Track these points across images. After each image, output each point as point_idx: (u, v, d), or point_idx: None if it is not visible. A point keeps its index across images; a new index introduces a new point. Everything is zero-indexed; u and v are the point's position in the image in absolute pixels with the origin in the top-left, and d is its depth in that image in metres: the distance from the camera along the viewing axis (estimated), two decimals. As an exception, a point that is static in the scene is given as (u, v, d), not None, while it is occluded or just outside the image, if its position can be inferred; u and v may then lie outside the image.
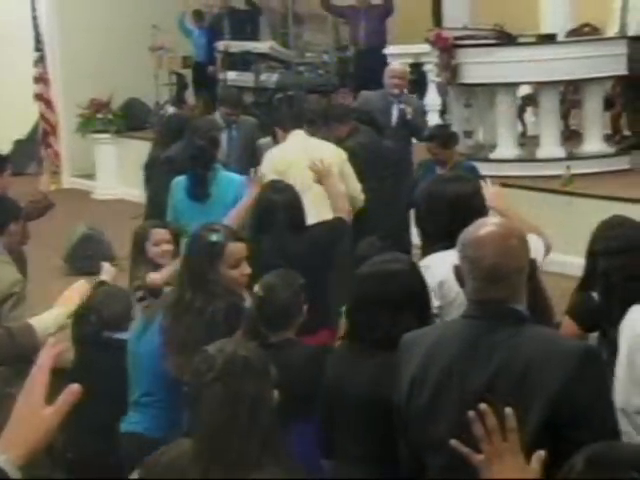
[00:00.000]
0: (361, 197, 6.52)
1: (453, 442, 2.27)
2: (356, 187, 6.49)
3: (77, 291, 3.99)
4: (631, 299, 3.45)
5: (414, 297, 3.31)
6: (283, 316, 3.86)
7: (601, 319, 3.70)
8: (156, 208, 6.71)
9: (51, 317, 3.87)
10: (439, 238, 3.83)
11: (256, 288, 3.89)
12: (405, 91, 8.46)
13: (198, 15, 13.67)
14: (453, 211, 3.82)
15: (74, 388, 2.02)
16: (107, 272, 5.27)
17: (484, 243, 2.70)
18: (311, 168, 5.71)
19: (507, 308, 2.70)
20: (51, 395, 2.06)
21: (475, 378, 2.67)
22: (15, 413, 2.01)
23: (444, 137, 7.11)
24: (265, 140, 7.66)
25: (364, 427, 3.31)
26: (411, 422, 2.83)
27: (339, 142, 6.98)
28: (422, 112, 8.89)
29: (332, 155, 6.57)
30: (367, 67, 11.92)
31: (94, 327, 4.83)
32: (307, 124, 6.94)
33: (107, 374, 4.48)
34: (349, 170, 6.51)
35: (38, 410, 2.00)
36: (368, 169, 6.74)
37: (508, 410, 2.18)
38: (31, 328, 3.75)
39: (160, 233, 5.48)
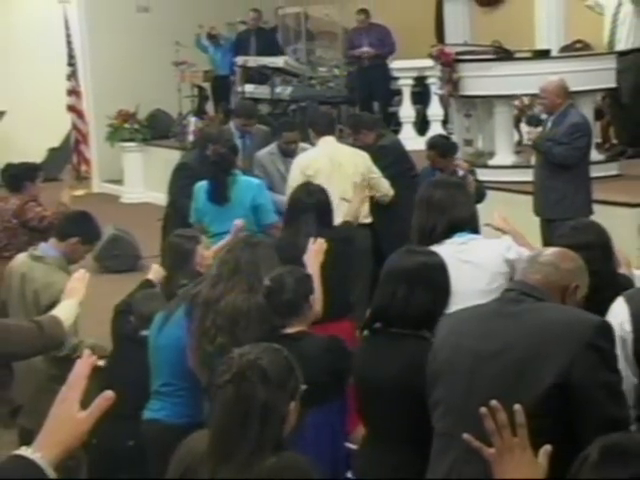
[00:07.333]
0: (391, 192, 6.77)
1: (465, 436, 2.26)
2: (385, 184, 6.74)
3: (80, 281, 3.91)
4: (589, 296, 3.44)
5: (445, 279, 3.44)
6: (291, 304, 3.85)
7: None
8: (178, 212, 6.86)
9: (67, 308, 3.79)
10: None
11: (266, 281, 3.91)
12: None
13: (212, 36, 13.76)
14: (428, 212, 4.08)
15: (108, 395, 2.00)
16: (155, 272, 5.05)
17: (548, 252, 3.00)
18: None
19: (535, 288, 2.82)
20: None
21: (492, 340, 2.74)
22: (51, 416, 2.00)
23: (443, 147, 7.16)
24: (264, 151, 7.52)
25: (396, 413, 3.30)
26: (428, 384, 2.90)
27: (368, 147, 7.13)
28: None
29: (357, 162, 6.77)
30: (370, 81, 12.17)
31: (133, 325, 4.82)
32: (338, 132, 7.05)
33: (140, 368, 4.47)
34: (376, 171, 6.75)
35: (73, 414, 1.99)
36: (392, 169, 6.92)
37: (517, 406, 2.16)
38: (58, 320, 3.68)
39: (203, 245, 5.09)
